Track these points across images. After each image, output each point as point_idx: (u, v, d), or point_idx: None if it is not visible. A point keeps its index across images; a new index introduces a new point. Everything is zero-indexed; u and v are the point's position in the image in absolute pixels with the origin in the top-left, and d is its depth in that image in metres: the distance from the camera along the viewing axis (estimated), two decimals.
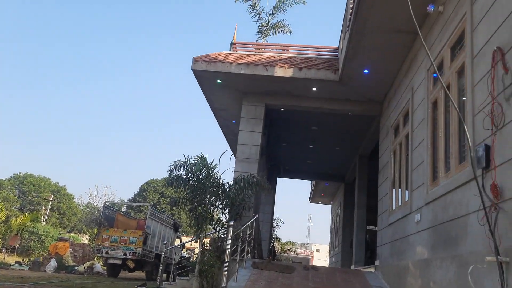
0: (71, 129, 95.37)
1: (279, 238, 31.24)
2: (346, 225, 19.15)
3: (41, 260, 19.65)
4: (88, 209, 48.05)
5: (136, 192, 54.87)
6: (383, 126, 11.03)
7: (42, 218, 40.21)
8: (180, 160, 8.45)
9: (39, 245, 23.56)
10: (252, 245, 11.08)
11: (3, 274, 12.58)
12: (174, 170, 8.57)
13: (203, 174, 8.42)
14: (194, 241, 9.93)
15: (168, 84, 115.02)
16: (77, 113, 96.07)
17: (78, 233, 37.47)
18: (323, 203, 29.04)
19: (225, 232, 8.39)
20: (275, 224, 23.30)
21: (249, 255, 11.29)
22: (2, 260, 19.41)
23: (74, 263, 20.48)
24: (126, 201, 52.51)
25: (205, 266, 8.54)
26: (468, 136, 4.38)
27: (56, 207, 46.12)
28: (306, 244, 72.10)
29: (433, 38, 7.06)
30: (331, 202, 27.42)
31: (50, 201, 44.20)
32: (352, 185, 17.77)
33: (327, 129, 14.15)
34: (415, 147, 7.64)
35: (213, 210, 8.86)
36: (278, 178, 20.51)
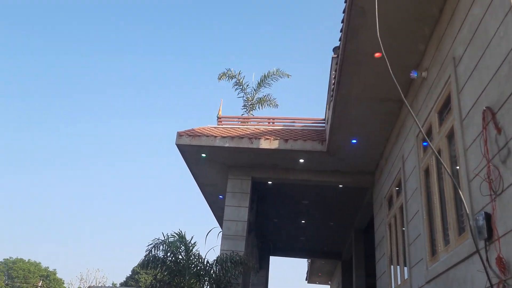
0: (63, 212, 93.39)
1: None
2: None
3: None
4: None
5: (129, 275, 52.25)
6: (376, 198, 10.52)
7: None
8: (158, 239, 7.78)
9: None
10: None
11: None
12: (153, 249, 7.85)
13: (182, 253, 7.69)
14: None
15: (157, 164, 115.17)
16: (68, 197, 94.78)
17: None
18: (320, 283, 27.47)
19: None
20: None
21: None
22: None
23: None
24: (118, 284, 49.85)
25: None
26: (465, 204, 3.90)
27: None
28: None
29: (419, 104, 6.84)
30: (329, 282, 25.95)
31: (39, 287, 41.87)
32: (350, 262, 16.77)
33: (319, 202, 13.59)
34: (411, 219, 7.08)
35: None
36: (271, 257, 19.45)
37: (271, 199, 13.42)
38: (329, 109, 9.30)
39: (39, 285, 41.91)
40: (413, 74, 6.59)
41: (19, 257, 46.47)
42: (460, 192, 4.04)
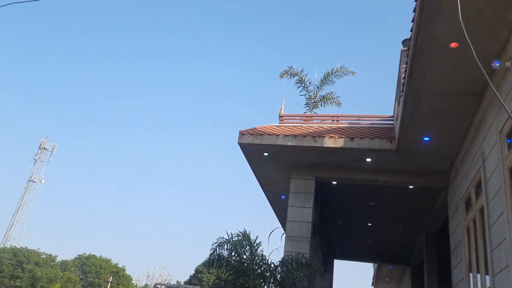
0: (131, 209, 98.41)
1: None
2: None
3: None
4: None
5: (192, 274, 53.68)
6: (451, 199, 9.80)
7: None
8: (222, 238, 7.76)
9: None
10: None
11: None
12: (217, 248, 7.85)
13: (246, 253, 7.61)
14: None
15: (217, 161, 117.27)
16: (137, 195, 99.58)
17: None
18: None
19: None
20: None
21: None
22: None
23: None
24: (182, 283, 51.43)
25: None
26: None
27: None
28: None
29: (502, 97, 6.21)
30: None
31: (109, 283, 44.26)
32: (420, 268, 15.86)
33: (387, 204, 12.97)
34: (493, 223, 6.45)
35: None
36: (335, 260, 18.93)
37: (336, 200, 13.01)
38: (398, 105, 8.80)
39: (110, 280, 44.32)
40: (496, 64, 5.99)
41: (91, 253, 49.50)
42: None
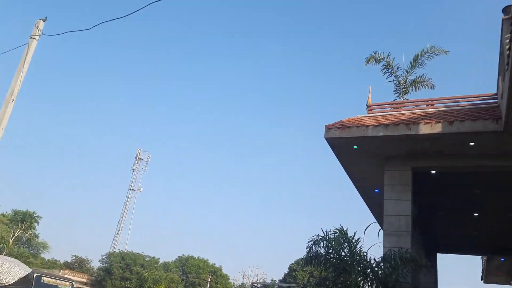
0: (222, 210, 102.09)
1: None
2: None
3: None
4: None
5: (286, 272, 54.14)
6: None
7: None
8: (318, 235, 7.56)
9: None
10: None
11: None
12: (313, 246, 7.68)
13: (344, 250, 7.33)
14: None
15: (303, 157, 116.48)
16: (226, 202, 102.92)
17: None
18: (500, 283, 24.06)
19: None
20: None
21: None
22: None
23: None
24: (277, 281, 52.07)
25: None
26: None
27: None
28: None
29: None
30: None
31: (208, 282, 46.28)
32: None
33: (495, 191, 11.81)
34: None
35: None
36: (438, 254, 17.74)
37: (435, 190, 12.14)
38: (503, 80, 7.93)
39: (209, 280, 46.36)
40: None
41: (190, 255, 52.18)
42: None
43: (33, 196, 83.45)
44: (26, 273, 13.11)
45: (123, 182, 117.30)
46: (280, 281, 52.01)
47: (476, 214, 13.89)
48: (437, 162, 10.25)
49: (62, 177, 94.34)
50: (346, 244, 7.28)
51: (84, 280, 34.08)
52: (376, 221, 13.54)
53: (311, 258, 7.31)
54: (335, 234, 7.33)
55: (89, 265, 37.78)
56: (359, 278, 7.24)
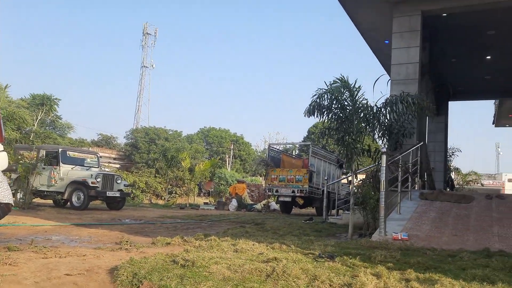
0: (239, 81, 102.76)
1: (457, 169, 28.17)
2: None
3: (224, 200, 21.92)
4: (259, 154, 51.67)
5: (305, 135, 56.33)
6: None
7: (228, 165, 45.03)
8: (322, 89, 7.73)
9: (228, 188, 26.34)
10: (418, 175, 9.92)
11: (190, 213, 14.29)
12: (318, 100, 7.91)
13: (347, 100, 7.54)
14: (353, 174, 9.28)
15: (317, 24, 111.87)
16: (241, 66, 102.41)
17: (259, 176, 40.83)
18: (511, 125, 24.71)
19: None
20: (450, 154, 20.82)
21: (415, 186, 10.20)
22: (194, 201, 22.32)
23: (252, 202, 22.24)
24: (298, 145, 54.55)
25: (359, 199, 7.89)
26: None
27: (237, 155, 51.00)
28: (495, 175, 64.19)
29: None
30: None
31: (232, 150, 48.90)
32: None
33: (509, 30, 11.39)
34: None
35: (363, 139, 7.97)
36: (449, 102, 17.98)
37: (447, 35, 11.80)
38: None
39: (232, 148, 48.93)
40: None
41: (211, 126, 54.34)
42: None
43: (52, 82, 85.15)
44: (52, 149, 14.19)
45: (135, 59, 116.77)
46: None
47: (488, 57, 13.67)
48: (448, 2, 9.79)
49: (76, 61, 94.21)
50: (347, 93, 7.43)
51: (114, 156, 36.62)
52: (387, 74, 13.57)
53: (313, 109, 7.55)
54: (335, 84, 7.45)
55: (116, 142, 40.10)
56: (361, 125, 7.55)
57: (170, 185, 24.03)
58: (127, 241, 5.63)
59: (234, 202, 20.14)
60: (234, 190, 22.50)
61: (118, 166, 34.04)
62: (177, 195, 23.92)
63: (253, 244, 5.03)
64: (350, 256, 4.41)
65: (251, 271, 3.42)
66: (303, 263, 3.86)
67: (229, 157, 47.39)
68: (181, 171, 23.11)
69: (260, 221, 10.75)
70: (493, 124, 24.14)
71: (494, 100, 20.45)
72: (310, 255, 4.47)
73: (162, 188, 24.11)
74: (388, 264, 4.07)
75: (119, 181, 14.07)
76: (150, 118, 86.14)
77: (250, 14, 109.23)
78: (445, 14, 10.40)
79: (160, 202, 22.55)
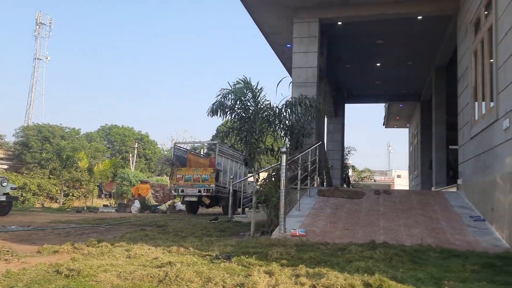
0: (143, 75, 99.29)
1: (353, 166, 30.35)
2: (425, 146, 17.77)
3: (126, 202, 20.95)
4: (165, 152, 50.46)
5: (214, 134, 56.26)
6: (461, 24, 9.36)
7: (131, 164, 43.12)
8: (226, 89, 7.78)
9: (131, 189, 25.18)
10: (317, 173, 10.46)
11: (87, 217, 13.41)
12: (222, 100, 7.95)
13: (250, 101, 7.69)
14: (257, 172, 9.47)
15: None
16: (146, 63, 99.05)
17: (165, 176, 39.74)
18: (399, 126, 27.29)
19: None
20: (346, 152, 22.36)
21: (314, 183, 10.74)
22: (92, 204, 21.01)
23: (156, 203, 21.60)
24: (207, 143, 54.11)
25: (262, 197, 8.10)
26: None
27: (142, 154, 49.09)
28: (386, 171, 70.53)
29: None
30: (408, 125, 25.68)
31: (136, 148, 46.92)
32: (429, 103, 16.13)
33: (395, 40, 12.56)
34: (501, 40, 6.22)
35: (265, 138, 8.19)
36: (346, 104, 19.29)
37: (342, 42, 12.64)
38: None
39: (136, 146, 46.97)
40: None
41: (113, 124, 51.70)
42: None
43: None
44: None
45: (28, 51, 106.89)
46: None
47: (378, 64, 14.92)
48: (342, 12, 10.47)
49: None
50: (250, 94, 7.57)
51: (0, 156, 33.12)
52: (290, 76, 14.09)
53: (216, 109, 7.57)
54: (238, 85, 7.54)
55: (3, 141, 36.27)
56: (263, 125, 7.74)
57: (67, 187, 22.33)
58: (8, 251, 5.06)
59: (136, 204, 19.40)
60: (137, 191, 21.68)
61: (6, 167, 30.81)
62: (74, 198, 22.31)
63: (149, 249, 4.84)
64: (247, 255, 4.46)
65: (142, 278, 3.27)
66: (198, 265, 3.80)
67: (133, 156, 45.55)
68: (79, 172, 21.62)
69: (163, 223, 10.45)
70: (383, 125, 26.45)
71: (384, 104, 22.38)
72: (207, 256, 4.43)
73: (57, 191, 22.31)
74: (282, 261, 4.20)
75: (4, 184, 12.74)
76: (45, 114, 79.48)
77: (159, 9, 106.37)
78: (340, 23, 11.10)
79: (55, 205, 20.85)
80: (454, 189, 9.86)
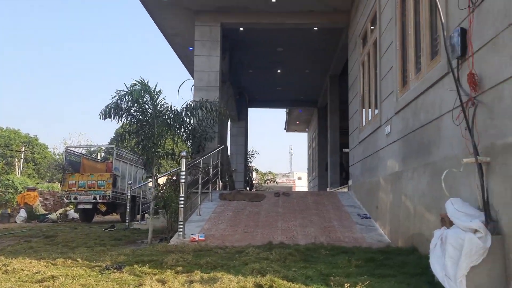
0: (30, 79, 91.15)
1: (256, 169, 31.07)
2: (321, 150, 18.84)
3: (9, 212, 18.92)
4: (57, 157, 46.71)
5: (113, 137, 53.50)
6: (351, 37, 10.12)
7: (17, 170, 39.05)
8: (122, 90, 7.40)
9: (16, 197, 22.73)
10: (219, 176, 10.49)
11: None
12: (118, 101, 7.55)
13: (148, 103, 7.42)
14: (156, 178, 9.16)
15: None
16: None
17: (57, 182, 36.67)
18: (299, 131, 28.63)
19: None
20: (250, 156, 22.82)
21: (216, 187, 10.76)
22: None
23: (46, 212, 19.84)
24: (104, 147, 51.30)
25: (161, 203, 7.88)
26: (441, 17, 3.56)
27: (30, 158, 44.80)
28: (288, 173, 73.41)
29: None
30: (307, 129, 27.04)
31: (23, 153, 42.71)
32: (325, 109, 17.16)
33: (294, 49, 13.14)
34: (384, 53, 6.83)
35: (164, 142, 7.98)
36: (250, 109, 19.71)
37: (245, 48, 12.87)
38: None
39: (23, 150, 42.69)
40: None
41: None
42: (438, 5, 3.66)
43: None
44: None
45: None
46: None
47: (279, 71, 15.49)
48: (243, 18, 10.67)
49: None
50: (148, 96, 7.31)
51: None
52: (192, 79, 13.95)
53: (109, 111, 7.17)
54: (135, 86, 7.23)
55: None
56: (162, 129, 7.52)
57: None
58: None
59: (22, 213, 17.64)
60: (23, 199, 19.70)
61: None
62: None
63: (30, 262, 4.40)
64: (141, 264, 4.27)
65: None
66: (84, 278, 3.54)
67: (19, 161, 41.40)
68: None
69: (52, 233, 9.62)
70: (285, 129, 27.54)
71: (285, 109, 23.29)
72: (97, 268, 4.15)
73: None
74: (178, 267, 4.09)
75: None
76: None
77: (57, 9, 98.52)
78: (242, 29, 11.29)
79: None
80: (346, 190, 10.57)
